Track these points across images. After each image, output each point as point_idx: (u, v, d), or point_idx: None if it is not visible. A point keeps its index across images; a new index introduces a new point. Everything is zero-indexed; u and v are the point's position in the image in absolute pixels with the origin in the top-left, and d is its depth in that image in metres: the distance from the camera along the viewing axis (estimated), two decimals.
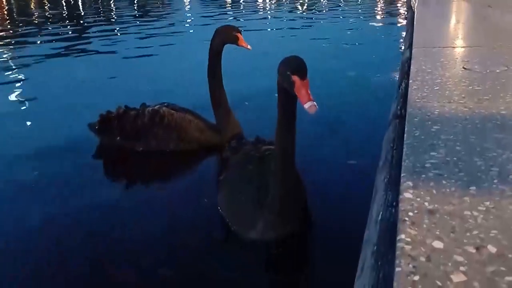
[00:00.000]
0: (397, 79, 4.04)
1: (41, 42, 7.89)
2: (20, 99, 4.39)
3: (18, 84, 4.94)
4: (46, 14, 15.21)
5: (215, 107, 2.98)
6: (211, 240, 2.05)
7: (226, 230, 2.05)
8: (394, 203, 1.56)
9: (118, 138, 2.97)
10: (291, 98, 1.72)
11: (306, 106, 1.57)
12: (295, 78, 1.62)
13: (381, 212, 1.55)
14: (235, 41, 2.80)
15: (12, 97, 4.40)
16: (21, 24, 11.24)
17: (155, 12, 14.93)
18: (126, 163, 2.94)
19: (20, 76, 5.35)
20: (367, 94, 4.00)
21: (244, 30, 2.88)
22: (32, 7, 17.72)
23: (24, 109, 4.12)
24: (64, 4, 19.31)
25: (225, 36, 2.81)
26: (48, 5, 18.88)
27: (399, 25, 9.03)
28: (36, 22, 12.49)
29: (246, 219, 1.95)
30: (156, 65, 6.03)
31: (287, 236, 1.90)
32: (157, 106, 3.00)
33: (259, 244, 1.91)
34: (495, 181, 1.23)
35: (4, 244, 2.06)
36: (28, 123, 3.70)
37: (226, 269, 1.80)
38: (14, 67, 5.89)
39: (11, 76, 5.38)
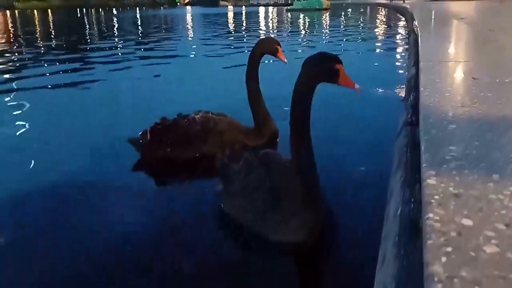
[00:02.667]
0: (402, 95, 4.08)
1: (48, 67, 7.78)
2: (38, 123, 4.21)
3: (26, 110, 4.71)
4: (50, 40, 15.44)
5: (254, 110, 3.10)
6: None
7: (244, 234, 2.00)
8: (412, 199, 1.56)
9: (168, 149, 2.91)
10: (310, 98, 1.79)
11: (356, 87, 1.78)
12: (340, 66, 1.77)
13: (399, 208, 1.55)
14: (274, 52, 2.99)
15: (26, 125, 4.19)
16: (27, 49, 11.33)
17: (157, 34, 15.16)
18: (176, 171, 2.85)
19: (25, 103, 5.05)
20: (371, 107, 4.01)
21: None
22: (37, 35, 17.94)
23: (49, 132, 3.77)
24: (67, 28, 19.59)
25: (267, 47, 3.01)
26: (53, 31, 19.19)
27: (399, 47, 9.16)
28: (41, 48, 12.65)
29: (273, 223, 1.91)
30: (171, 81, 6.06)
31: (317, 235, 1.87)
32: (201, 113, 3.01)
33: (284, 247, 1.87)
34: None
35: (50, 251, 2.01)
36: (57, 143, 3.45)
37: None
38: (19, 92, 5.75)
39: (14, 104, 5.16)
